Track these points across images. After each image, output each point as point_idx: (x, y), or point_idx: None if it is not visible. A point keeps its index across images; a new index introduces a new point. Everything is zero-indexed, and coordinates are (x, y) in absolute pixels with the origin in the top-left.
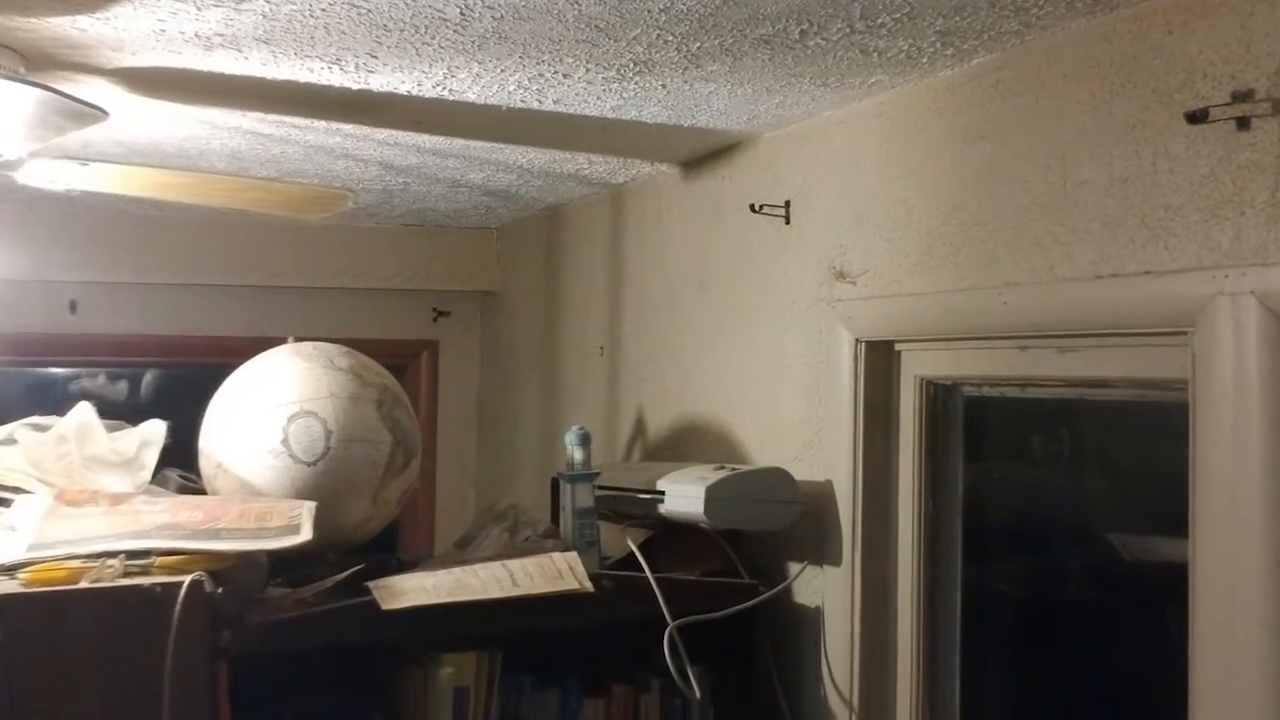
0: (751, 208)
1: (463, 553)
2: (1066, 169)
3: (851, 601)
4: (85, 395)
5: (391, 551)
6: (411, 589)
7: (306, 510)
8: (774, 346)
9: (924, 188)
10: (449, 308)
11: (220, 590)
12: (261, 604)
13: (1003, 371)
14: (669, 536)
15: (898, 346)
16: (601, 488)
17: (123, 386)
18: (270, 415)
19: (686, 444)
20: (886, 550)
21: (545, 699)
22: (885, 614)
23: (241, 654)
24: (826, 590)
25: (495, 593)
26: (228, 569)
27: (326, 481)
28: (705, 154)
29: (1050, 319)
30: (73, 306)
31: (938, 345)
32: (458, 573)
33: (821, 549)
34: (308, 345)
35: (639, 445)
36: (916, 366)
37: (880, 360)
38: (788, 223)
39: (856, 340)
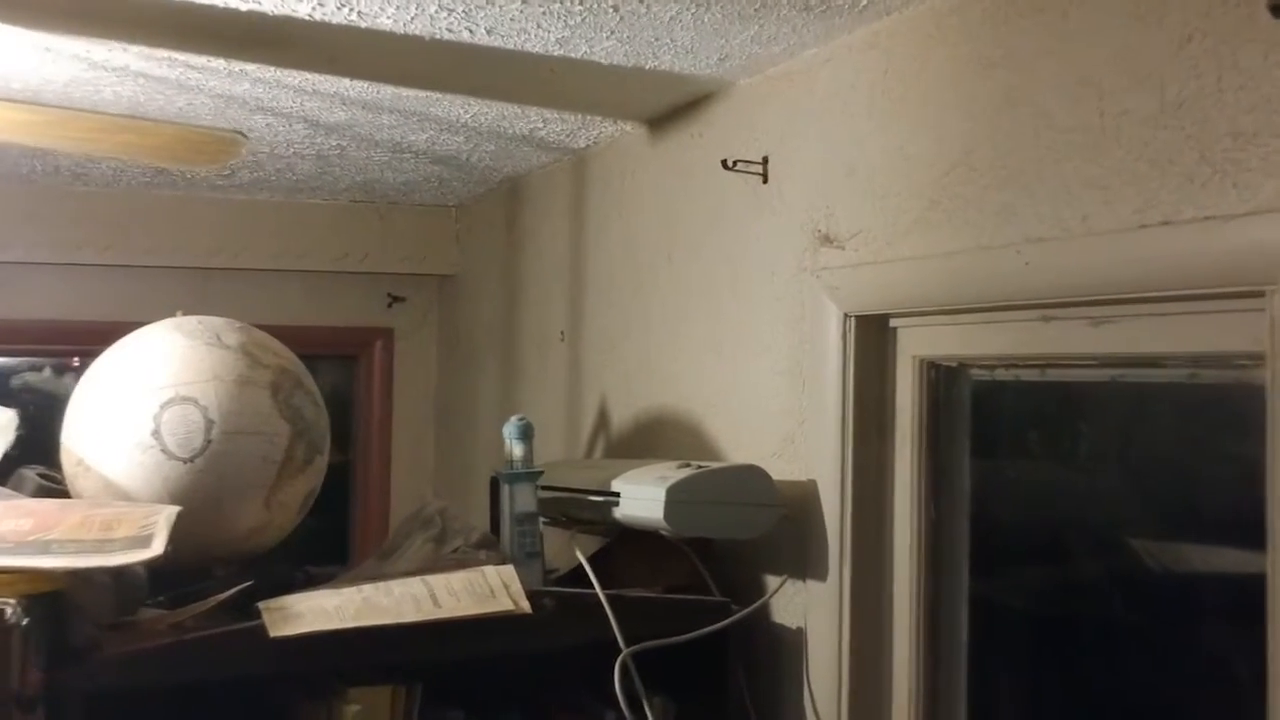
0: (724, 164)
1: (383, 565)
2: (1103, 98)
3: (839, 622)
4: (28, 390)
5: (306, 562)
6: (309, 611)
7: (164, 518)
8: (750, 326)
9: (926, 131)
10: (404, 293)
11: (28, 621)
12: (125, 631)
13: (1020, 349)
14: (627, 545)
15: (893, 322)
16: (551, 488)
17: (70, 381)
18: (140, 402)
19: (653, 439)
20: (880, 562)
21: None
22: (879, 636)
23: (96, 693)
24: (810, 608)
25: (411, 615)
26: (73, 589)
27: (207, 481)
28: (673, 109)
29: (1082, 281)
30: None
31: (941, 319)
32: (368, 590)
33: (804, 560)
34: (192, 319)
35: (601, 440)
36: (915, 345)
37: (873, 339)
38: (765, 181)
39: (845, 315)
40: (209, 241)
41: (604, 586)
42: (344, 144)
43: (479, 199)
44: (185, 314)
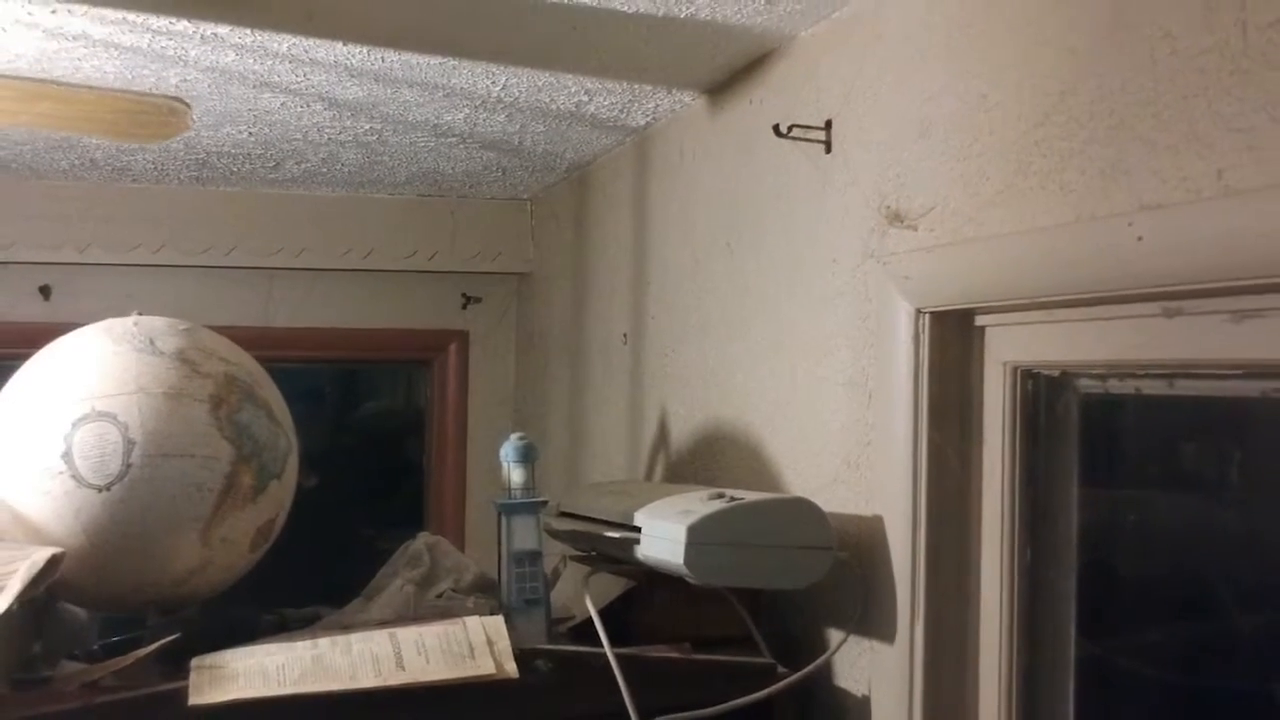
0: (776, 131)
1: (365, 609)
2: (1245, 6)
3: (909, 690)
4: None
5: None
6: (245, 672)
7: (27, 565)
8: (809, 326)
9: (1014, 70)
10: (480, 293)
11: None
12: (31, 689)
13: (1137, 354)
14: (658, 590)
15: (979, 319)
16: (574, 516)
17: None
18: (50, 420)
19: (709, 460)
20: (963, 617)
21: None
22: (960, 711)
23: None
24: (875, 674)
25: (366, 681)
26: None
27: (127, 513)
28: (731, 73)
29: (1216, 261)
30: (45, 292)
31: (1037, 315)
32: (323, 647)
33: (868, 615)
34: (127, 321)
35: (661, 459)
36: (1007, 349)
37: (954, 340)
38: (828, 150)
39: (918, 311)
40: (267, 240)
41: (625, 641)
42: (376, 126)
43: (550, 191)
44: (143, 314)
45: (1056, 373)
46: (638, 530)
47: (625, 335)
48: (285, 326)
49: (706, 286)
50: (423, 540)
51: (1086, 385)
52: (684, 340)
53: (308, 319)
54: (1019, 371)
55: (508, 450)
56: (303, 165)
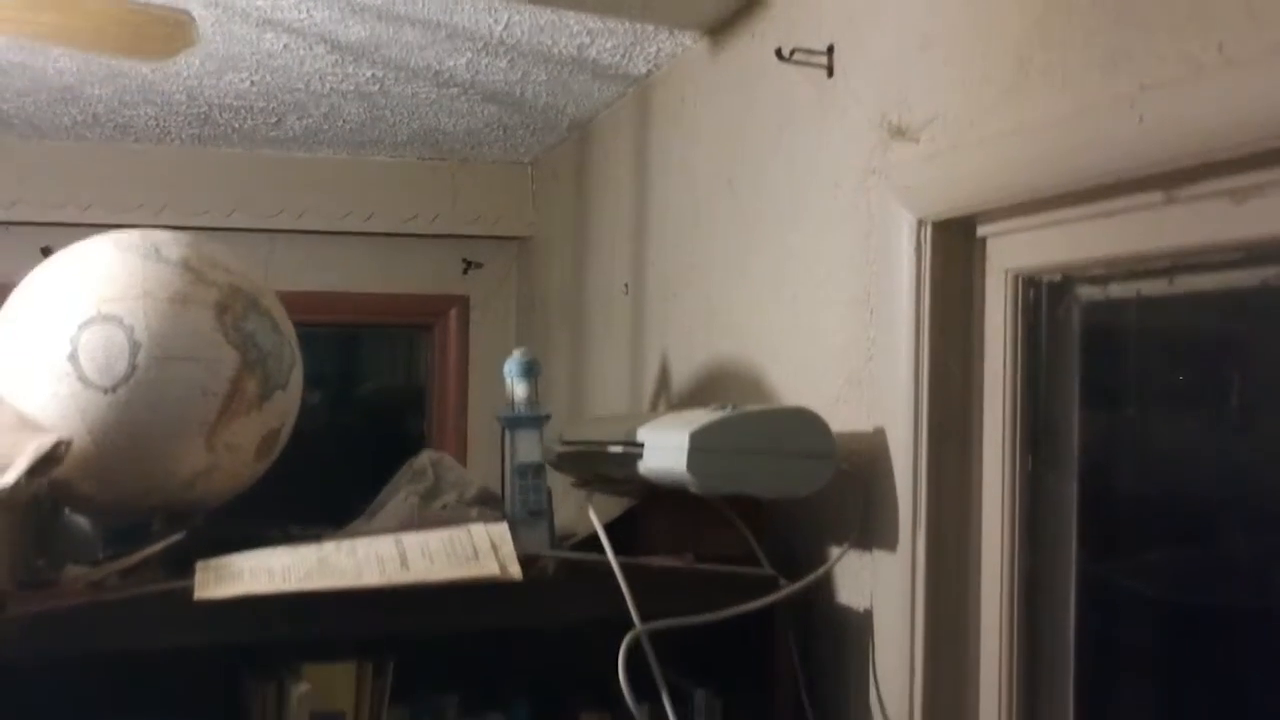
0: (778, 54)
1: (368, 524)
2: None
3: (911, 603)
4: None
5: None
6: (250, 571)
7: (37, 445)
8: (811, 252)
9: None
10: (481, 258)
11: None
12: (37, 590)
13: (1139, 245)
14: (659, 510)
15: (981, 229)
16: (576, 443)
17: None
18: (58, 321)
19: (713, 394)
20: (965, 529)
21: None
22: (961, 621)
23: None
24: (877, 586)
25: (371, 579)
26: None
27: (133, 415)
28: (732, 11)
29: (1216, 138)
30: (46, 253)
31: (1039, 220)
32: (329, 550)
33: (870, 527)
34: (134, 232)
35: (663, 401)
36: (1009, 256)
37: (956, 251)
38: (830, 75)
39: (919, 222)
40: (269, 202)
41: (626, 556)
42: (378, 74)
43: (551, 152)
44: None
45: (1058, 277)
46: (640, 447)
47: (626, 285)
48: (286, 289)
49: (708, 229)
50: (426, 456)
51: (1088, 293)
52: (686, 284)
53: (309, 282)
54: (1020, 279)
55: (511, 365)
56: (304, 121)
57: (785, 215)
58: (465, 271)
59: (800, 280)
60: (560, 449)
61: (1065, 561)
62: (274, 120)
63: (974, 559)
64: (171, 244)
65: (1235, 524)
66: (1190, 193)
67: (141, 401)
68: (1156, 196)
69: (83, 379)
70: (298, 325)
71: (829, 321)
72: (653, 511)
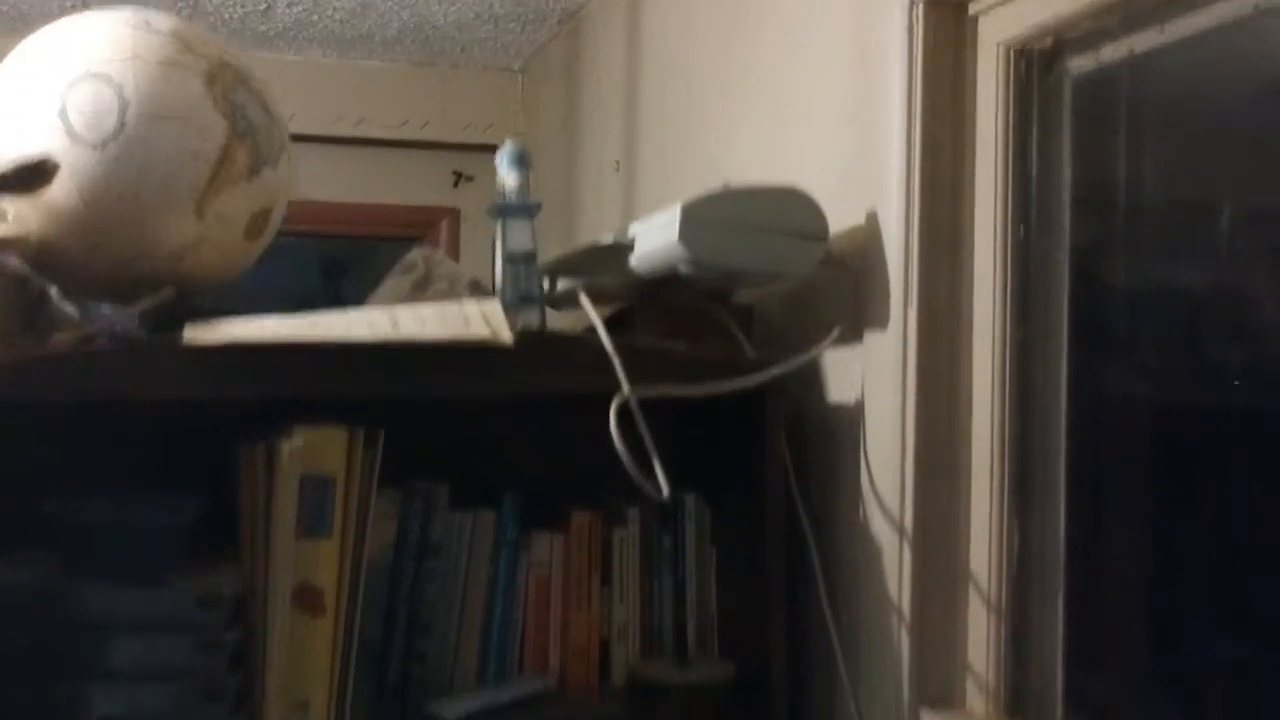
0: None
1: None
2: None
3: (902, 391)
4: None
5: None
6: (242, 328)
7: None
8: (807, 85)
9: None
10: (472, 171)
11: None
12: (24, 345)
13: None
14: (647, 310)
15: (973, 7)
16: (562, 263)
17: None
18: (47, 80)
19: None
20: (955, 313)
21: (469, 523)
22: (952, 406)
23: None
24: (868, 376)
25: (360, 335)
26: None
27: (121, 174)
28: None
29: None
30: None
31: None
32: (320, 316)
33: (861, 315)
34: (125, 7)
35: None
36: (999, 29)
37: (947, 28)
38: None
39: (911, 2)
40: None
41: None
42: None
43: (541, 54)
44: None
45: (1048, 43)
46: (632, 242)
47: (617, 162)
48: None
49: (701, 96)
50: (417, 252)
51: (1079, 65)
52: (682, 154)
53: (295, 191)
54: (1011, 51)
55: (503, 156)
56: (294, 9)
57: (781, 48)
58: (456, 184)
59: (794, 117)
60: (549, 268)
61: (1056, 343)
62: (263, 7)
63: (966, 328)
64: (162, 19)
65: (1232, 324)
66: None
67: (132, 159)
68: None
69: (71, 134)
70: (286, 234)
71: (820, 122)
72: (642, 313)
